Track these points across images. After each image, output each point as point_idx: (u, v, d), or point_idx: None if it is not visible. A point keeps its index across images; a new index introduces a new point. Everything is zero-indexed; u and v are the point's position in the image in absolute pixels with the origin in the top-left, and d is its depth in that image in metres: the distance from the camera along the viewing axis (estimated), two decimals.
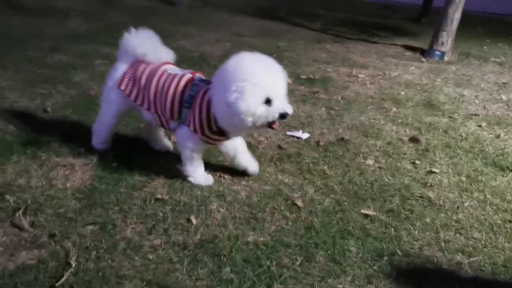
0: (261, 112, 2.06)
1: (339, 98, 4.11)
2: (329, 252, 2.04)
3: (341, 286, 1.85)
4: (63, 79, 3.87)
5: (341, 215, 2.32)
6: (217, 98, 2.15)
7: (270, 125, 2.14)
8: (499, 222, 2.40)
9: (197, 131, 2.28)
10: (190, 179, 2.44)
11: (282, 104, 2.10)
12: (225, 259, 1.92)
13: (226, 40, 6.01)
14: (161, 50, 2.49)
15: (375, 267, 1.98)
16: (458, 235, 2.27)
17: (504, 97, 4.60)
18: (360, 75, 4.88)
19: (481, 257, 2.11)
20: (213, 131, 2.28)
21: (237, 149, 2.51)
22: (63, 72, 4.06)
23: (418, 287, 1.90)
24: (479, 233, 2.29)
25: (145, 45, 2.45)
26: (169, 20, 6.98)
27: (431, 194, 2.60)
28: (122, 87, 2.45)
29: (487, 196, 2.64)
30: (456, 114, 3.99)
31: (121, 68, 2.49)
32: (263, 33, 6.82)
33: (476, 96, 4.58)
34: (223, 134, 2.31)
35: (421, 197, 2.57)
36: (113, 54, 4.77)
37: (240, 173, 2.57)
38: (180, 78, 2.35)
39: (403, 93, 4.45)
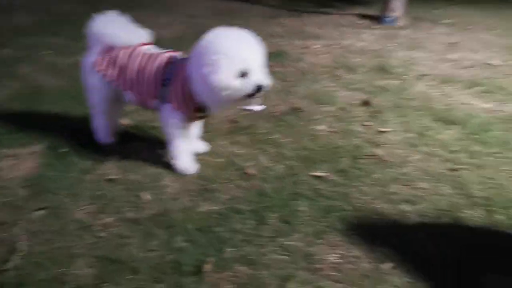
0: (236, 85, 2.03)
1: (293, 70, 4.15)
2: (280, 214, 2.09)
3: (291, 243, 1.91)
4: (8, 73, 3.77)
5: (293, 179, 2.38)
6: (193, 73, 2.12)
7: (250, 97, 2.11)
8: (444, 171, 2.50)
9: (178, 108, 2.26)
10: (174, 162, 2.39)
11: (258, 77, 2.07)
12: (177, 230, 1.95)
13: (179, 22, 5.94)
14: (133, 32, 2.41)
15: (325, 223, 2.04)
16: (405, 187, 2.35)
17: (452, 56, 4.72)
18: (314, 47, 4.92)
19: (425, 204, 2.20)
20: (194, 107, 2.25)
21: (192, 134, 2.51)
22: (8, 66, 3.95)
23: (368, 237, 1.97)
24: (424, 183, 2.38)
25: (114, 29, 2.37)
26: (119, 5, 6.81)
27: (380, 152, 2.68)
28: (98, 68, 2.38)
29: (434, 149, 2.74)
30: (406, 76, 4.08)
31: (95, 53, 2.41)
32: (218, 13, 6.76)
33: (426, 57, 4.69)
34: (204, 110, 2.28)
35: (371, 155, 2.65)
36: (61, 44, 4.71)
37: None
38: (160, 56, 2.32)
39: (356, 60, 4.51)
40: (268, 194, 2.24)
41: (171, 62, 2.28)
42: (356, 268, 1.78)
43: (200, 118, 2.40)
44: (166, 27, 5.57)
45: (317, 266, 1.78)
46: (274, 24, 5.97)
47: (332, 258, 1.83)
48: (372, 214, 2.14)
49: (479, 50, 5.01)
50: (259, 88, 2.07)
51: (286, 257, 1.83)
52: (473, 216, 2.14)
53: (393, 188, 2.34)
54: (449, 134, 2.96)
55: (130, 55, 2.36)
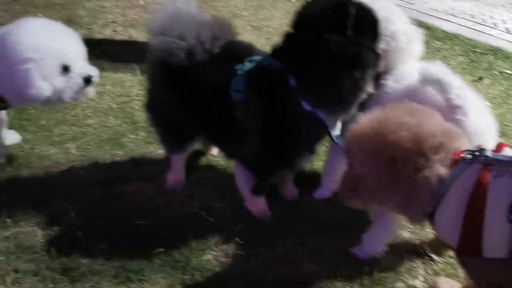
0: (60, 84, 1.79)
1: None
2: None
3: None
4: None
5: None
6: None
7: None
8: (114, 106, 2.63)
9: None
10: None
11: (83, 68, 1.87)
12: None
13: None
14: None
15: None
16: (72, 126, 2.39)
17: (142, 2, 4.89)
18: None
19: (89, 138, 2.28)
20: None
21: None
22: None
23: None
24: (92, 119, 2.46)
25: None
26: None
27: None
28: None
29: (107, 87, 2.84)
30: (94, 25, 4.06)
31: None
32: None
33: (116, 5, 4.73)
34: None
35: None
36: None
37: None
38: None
39: (40, 15, 4.24)
40: None
41: None
42: None
43: None
44: None
45: None
46: None
47: None
48: (36, 158, 2.11)
49: None
50: (87, 80, 1.86)
51: None
52: (136, 139, 2.32)
53: (60, 130, 2.35)
54: (124, 72, 3.09)
55: None
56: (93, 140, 2.27)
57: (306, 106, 1.53)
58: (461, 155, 1.16)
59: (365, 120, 1.28)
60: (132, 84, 2.91)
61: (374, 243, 1.57)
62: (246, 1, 4.96)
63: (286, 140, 1.59)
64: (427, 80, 1.39)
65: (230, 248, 1.65)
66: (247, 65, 1.64)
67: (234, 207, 1.85)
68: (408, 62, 1.58)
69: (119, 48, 3.51)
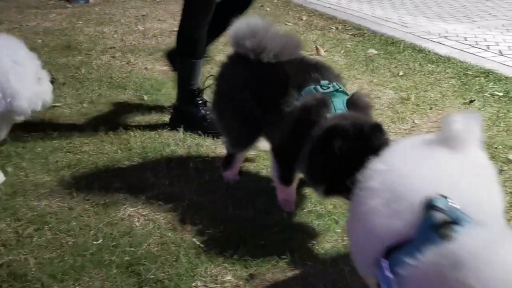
0: (41, 89, 2.08)
1: None
2: None
3: None
4: None
5: None
6: None
7: None
8: (110, 132, 2.66)
9: None
10: None
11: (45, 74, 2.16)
12: None
13: None
14: None
15: None
16: (68, 154, 2.43)
17: (141, 28, 5.00)
18: None
19: (84, 165, 2.32)
20: None
21: None
22: None
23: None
24: (88, 146, 2.50)
25: None
26: None
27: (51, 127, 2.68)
28: None
29: (106, 114, 2.90)
30: (93, 51, 4.15)
31: None
32: None
33: (115, 31, 4.84)
34: None
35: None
36: None
37: None
38: None
39: (40, 41, 4.35)
40: None
41: None
42: None
43: None
44: None
45: None
46: None
47: None
48: (31, 185, 2.14)
49: (166, 19, 5.41)
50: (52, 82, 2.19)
51: None
52: (131, 165, 2.36)
53: (55, 157, 2.39)
54: (122, 98, 3.16)
55: None
56: (88, 167, 2.31)
57: None
58: None
59: None
60: (128, 111, 2.96)
61: None
62: None
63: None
64: None
65: (220, 274, 1.67)
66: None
67: (224, 233, 1.88)
68: None
69: (117, 74, 3.57)
